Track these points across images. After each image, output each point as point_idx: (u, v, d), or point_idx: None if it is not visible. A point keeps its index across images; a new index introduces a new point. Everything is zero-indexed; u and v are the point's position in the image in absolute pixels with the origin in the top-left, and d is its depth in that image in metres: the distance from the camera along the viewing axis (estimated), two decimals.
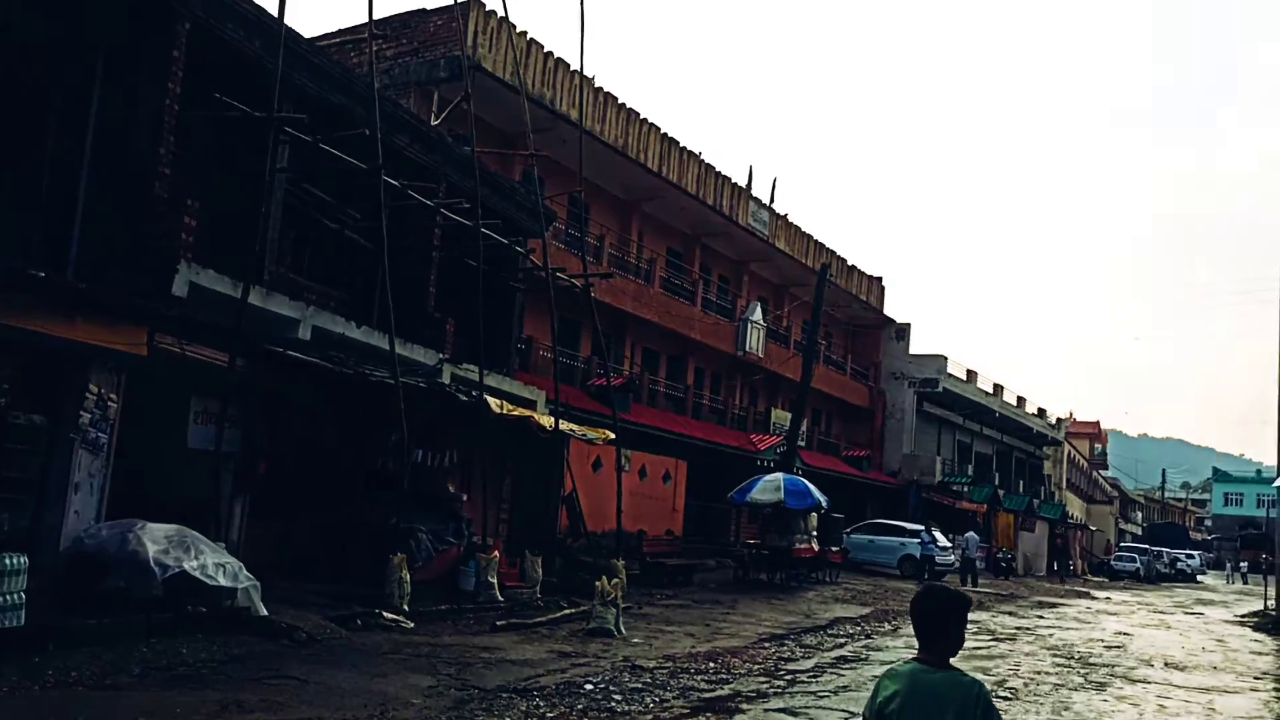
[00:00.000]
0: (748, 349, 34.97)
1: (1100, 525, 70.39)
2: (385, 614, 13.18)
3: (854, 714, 9.97)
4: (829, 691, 11.10)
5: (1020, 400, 56.55)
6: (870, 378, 46.14)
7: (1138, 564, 55.31)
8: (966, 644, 14.17)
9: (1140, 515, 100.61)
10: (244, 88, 13.48)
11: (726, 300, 36.44)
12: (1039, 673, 13.77)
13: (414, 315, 17.97)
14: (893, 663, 13.67)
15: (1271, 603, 27.26)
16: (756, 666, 12.64)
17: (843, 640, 16.10)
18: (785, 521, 26.16)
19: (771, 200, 36.70)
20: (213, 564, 11.33)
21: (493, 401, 16.43)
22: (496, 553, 16.56)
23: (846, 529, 35.66)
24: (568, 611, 16.03)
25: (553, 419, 18.19)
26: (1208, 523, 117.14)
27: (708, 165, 32.21)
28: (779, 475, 26.89)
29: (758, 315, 35.50)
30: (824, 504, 26.63)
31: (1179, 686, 13.32)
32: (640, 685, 10.71)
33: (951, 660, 3.61)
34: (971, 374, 49.95)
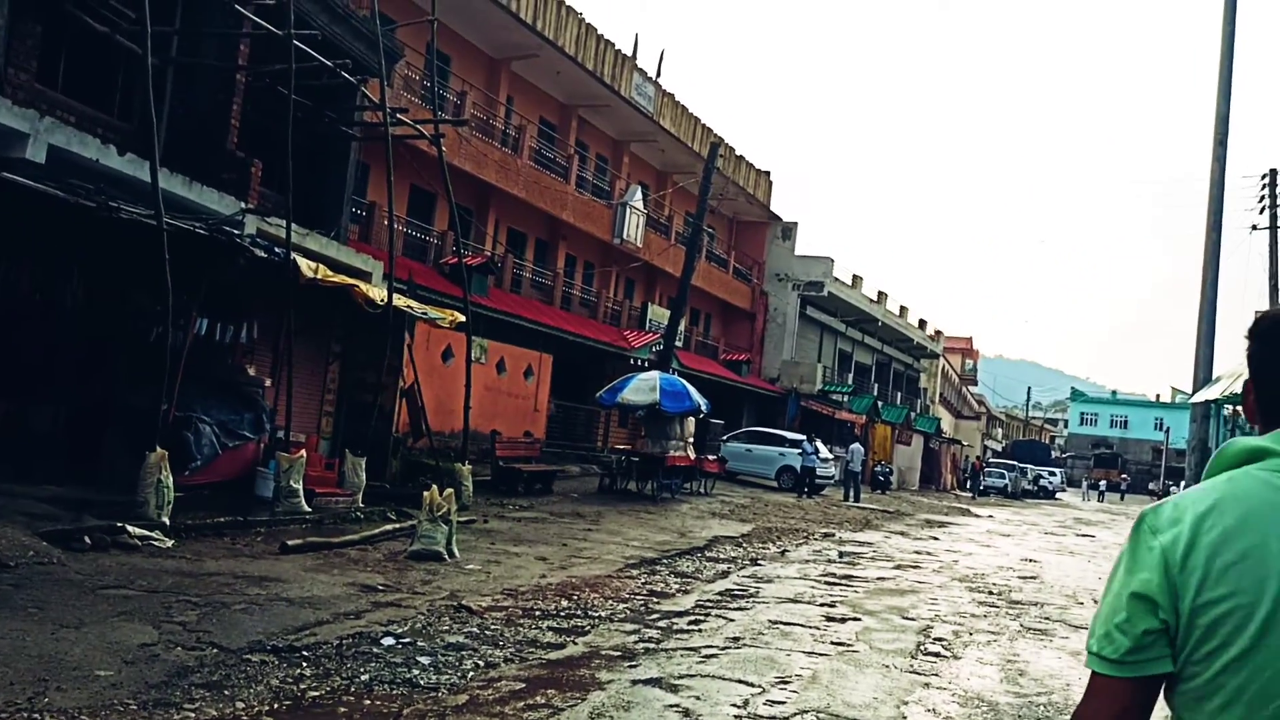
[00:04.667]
0: (625, 236, 31.74)
1: (968, 440, 70.22)
2: (131, 528, 9.87)
3: (752, 685, 7.21)
4: (717, 647, 8.30)
5: (903, 310, 54.93)
6: (754, 277, 43.45)
7: (1005, 480, 54.97)
8: (869, 574, 10.60)
9: (1001, 432, 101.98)
10: None
11: (604, 181, 33.03)
12: (964, 615, 11.30)
13: (210, 152, 14.30)
14: (787, 599, 11.07)
15: None
16: (622, 606, 9.79)
17: (725, 567, 13.41)
18: (660, 426, 23.38)
19: (658, 75, 33.24)
20: None
21: (304, 264, 13.00)
22: (303, 452, 13.28)
23: (724, 436, 33.26)
24: (391, 527, 12.95)
25: (385, 293, 14.84)
26: (1059, 441, 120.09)
27: (589, 26, 28.51)
28: (654, 374, 23.99)
29: (638, 199, 32.23)
30: (704, 408, 23.92)
31: None
32: (462, 639, 7.73)
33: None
34: (857, 279, 47.82)
